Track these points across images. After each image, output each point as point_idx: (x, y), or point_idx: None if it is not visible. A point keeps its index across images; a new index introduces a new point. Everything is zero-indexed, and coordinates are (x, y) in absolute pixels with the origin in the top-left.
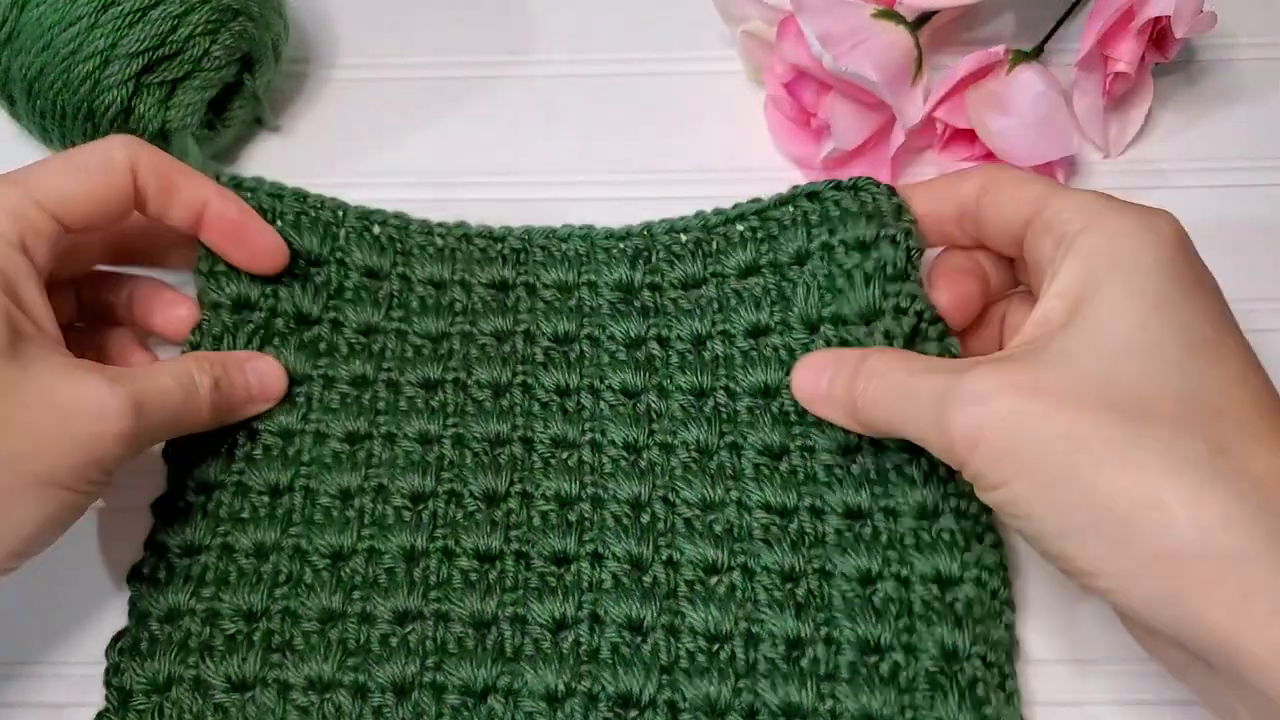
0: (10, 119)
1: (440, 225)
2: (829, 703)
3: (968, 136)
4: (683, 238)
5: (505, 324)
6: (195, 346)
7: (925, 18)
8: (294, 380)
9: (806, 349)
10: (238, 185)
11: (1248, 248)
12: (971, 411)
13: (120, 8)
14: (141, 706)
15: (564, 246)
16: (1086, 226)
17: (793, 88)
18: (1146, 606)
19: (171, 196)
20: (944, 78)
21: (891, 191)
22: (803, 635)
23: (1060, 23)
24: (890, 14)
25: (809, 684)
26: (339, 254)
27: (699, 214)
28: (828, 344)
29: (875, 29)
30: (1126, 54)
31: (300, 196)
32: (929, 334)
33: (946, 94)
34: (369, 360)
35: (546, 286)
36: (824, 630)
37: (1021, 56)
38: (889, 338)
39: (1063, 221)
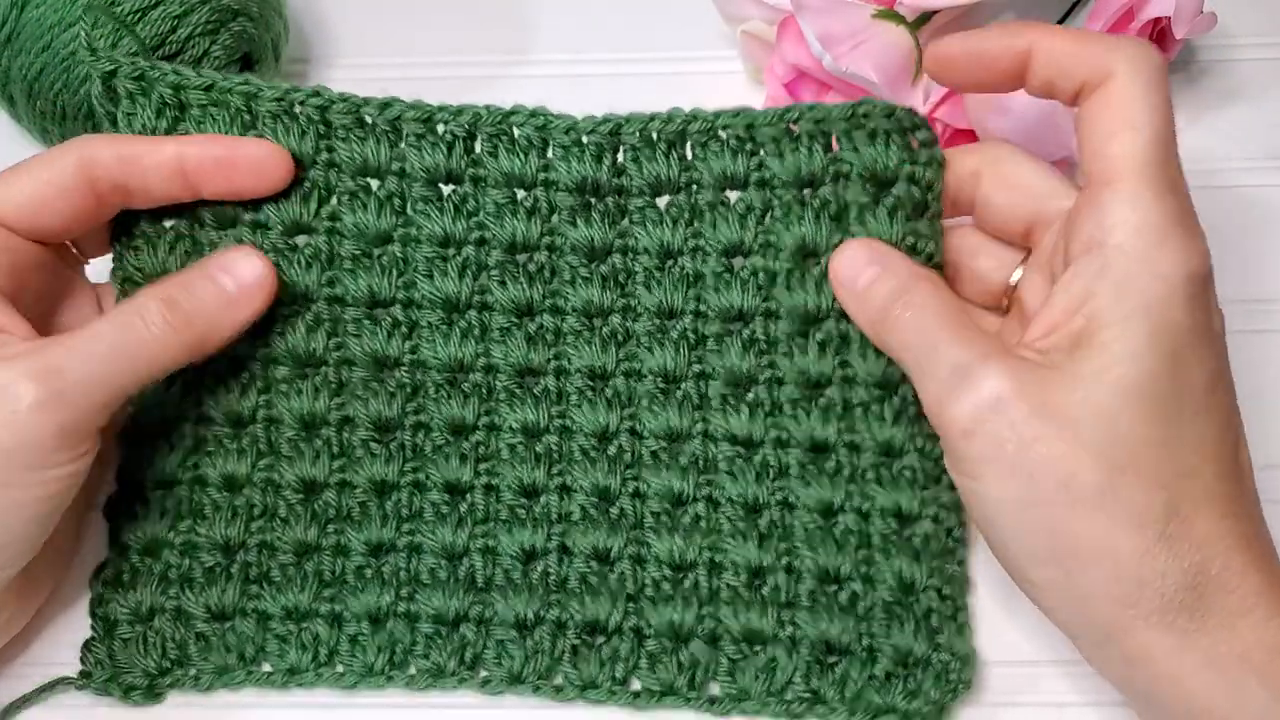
0: (10, 119)
1: (368, 102)
2: (789, 629)
3: (968, 137)
4: (654, 135)
5: (453, 228)
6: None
7: (925, 18)
8: None
9: (790, 275)
10: (120, 73)
11: (1247, 248)
12: (977, 404)
13: (121, 8)
14: (126, 635)
15: (517, 134)
16: (1128, 252)
17: (793, 88)
18: (1083, 632)
19: (144, 172)
20: None
21: (924, 121)
22: (764, 564)
23: (1060, 23)
24: (890, 14)
25: (770, 611)
26: None
27: (674, 111)
28: (824, 272)
29: (875, 29)
30: None
31: (207, 84)
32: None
33: (946, 94)
34: (303, 269)
35: (496, 184)
36: (785, 560)
37: None
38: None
39: (1111, 229)
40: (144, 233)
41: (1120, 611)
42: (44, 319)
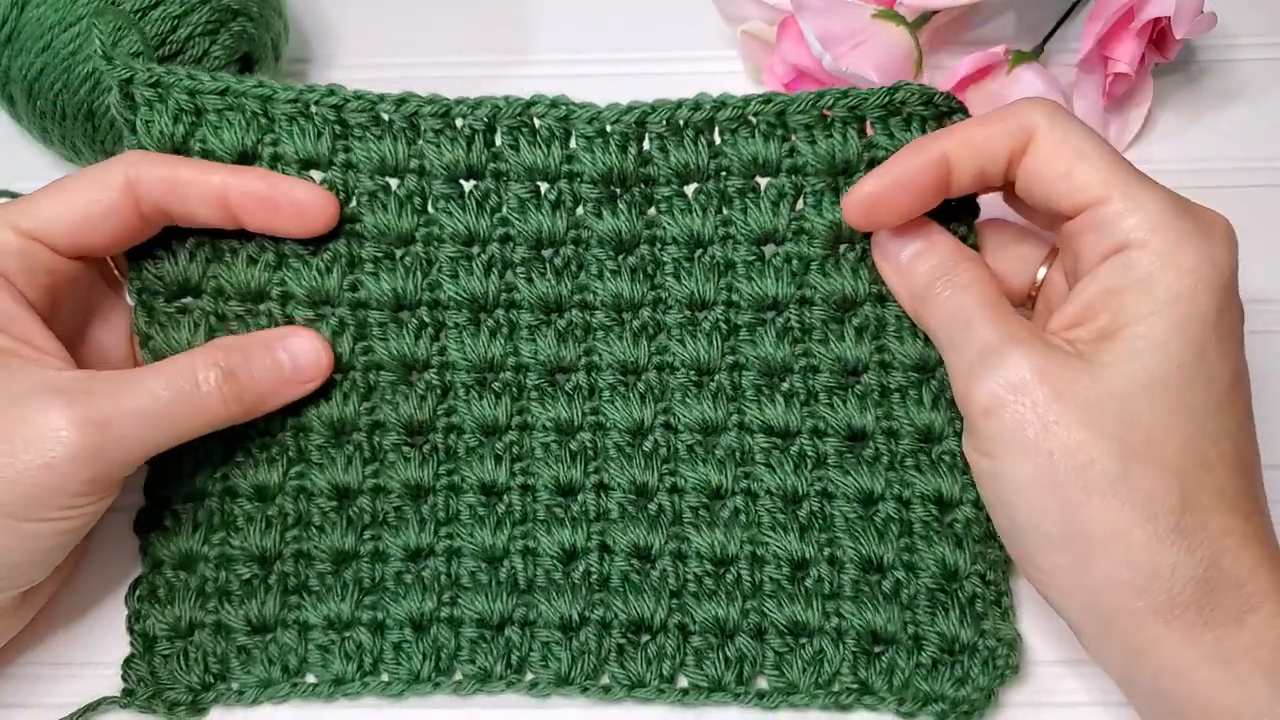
0: (10, 119)
1: (383, 99)
2: (834, 620)
3: None
4: (682, 122)
5: (476, 225)
6: (146, 338)
7: (925, 18)
8: (253, 298)
9: (825, 261)
10: (137, 80)
11: (1248, 248)
12: (1002, 383)
13: (121, 6)
14: (166, 651)
15: (538, 125)
16: (1152, 247)
17: (793, 88)
18: (1089, 621)
19: (187, 195)
20: (944, 78)
21: (961, 106)
22: (807, 556)
23: (1060, 23)
24: (890, 14)
25: (814, 602)
26: (271, 146)
27: (701, 96)
28: (860, 257)
29: (875, 29)
30: (1126, 54)
31: (222, 88)
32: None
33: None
34: (324, 273)
35: (519, 178)
36: (827, 550)
37: (1022, 57)
38: None
39: (1123, 232)
40: (163, 241)
41: (1129, 601)
42: (78, 334)
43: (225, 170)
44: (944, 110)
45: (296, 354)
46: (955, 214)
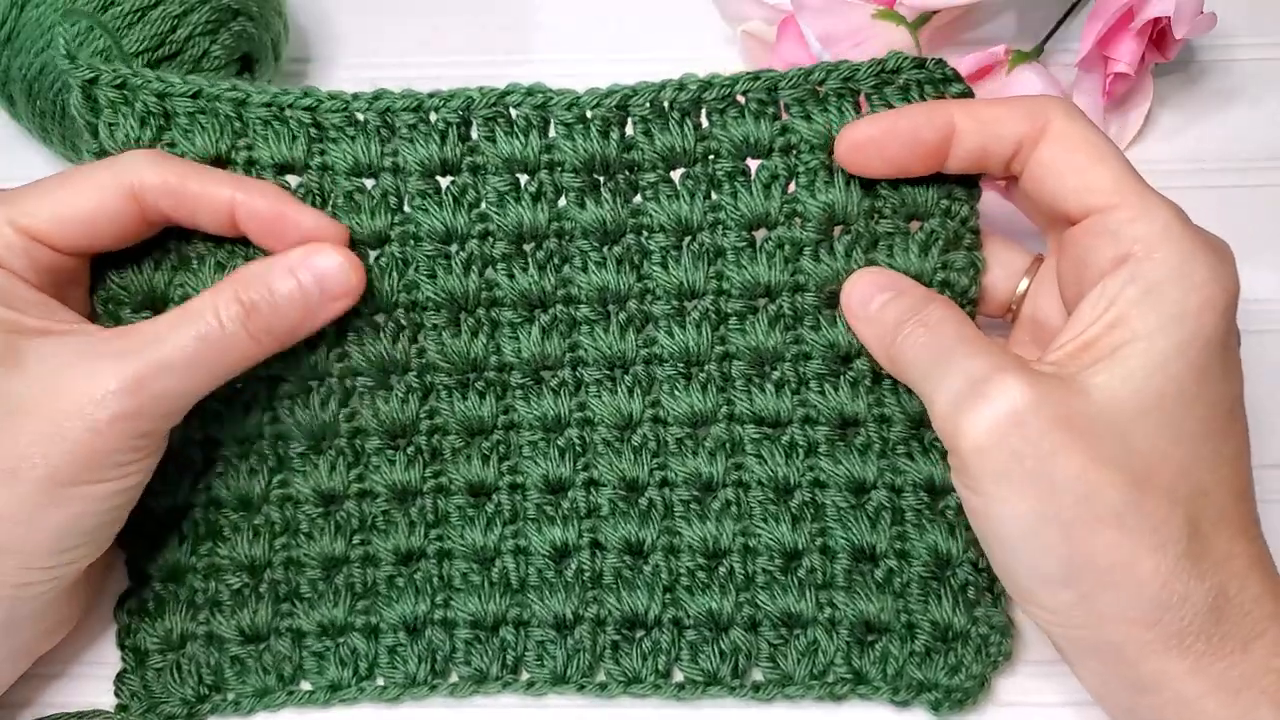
0: (10, 119)
1: (358, 98)
2: (827, 610)
3: None
4: (665, 104)
5: (454, 222)
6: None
7: (925, 18)
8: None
9: (819, 245)
10: (101, 81)
11: (1247, 248)
12: (994, 416)
13: (120, 8)
14: (158, 665)
15: (514, 115)
16: (1161, 259)
17: None
18: (1092, 655)
19: (193, 206)
20: None
21: (955, 74)
22: (799, 546)
23: (1060, 23)
24: (890, 14)
25: (807, 593)
26: (245, 150)
27: (687, 76)
28: (855, 240)
29: (875, 29)
30: (1126, 54)
31: (194, 91)
32: (961, 243)
33: None
34: None
35: (496, 171)
36: (819, 540)
37: (1022, 57)
38: (930, 239)
39: (1132, 240)
40: (129, 251)
41: (1138, 633)
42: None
43: (232, 183)
44: (939, 77)
45: (322, 273)
46: (955, 191)
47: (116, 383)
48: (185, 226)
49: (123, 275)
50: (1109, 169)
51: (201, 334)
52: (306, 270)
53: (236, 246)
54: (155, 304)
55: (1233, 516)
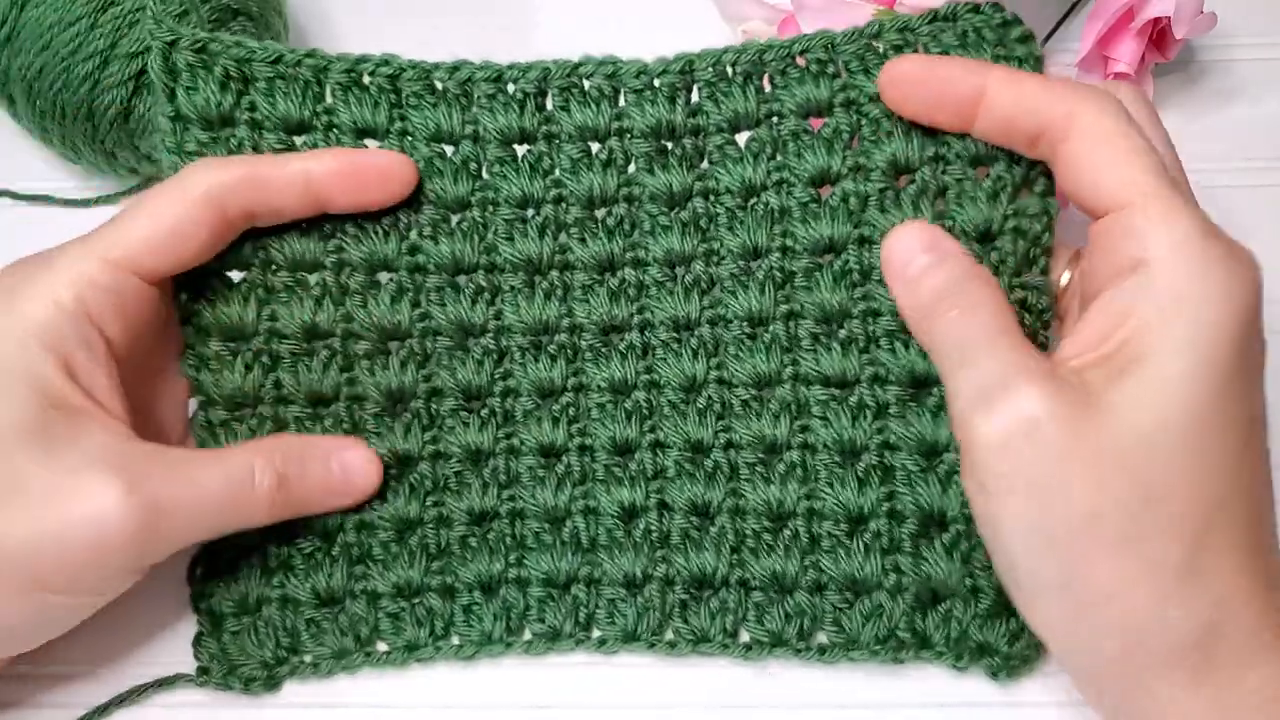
0: (10, 119)
1: (438, 67)
2: (893, 576)
3: None
4: (730, 70)
5: (530, 188)
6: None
7: None
8: (306, 266)
9: (884, 195)
10: (180, 44)
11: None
12: (1010, 422)
13: (120, 8)
14: (234, 628)
15: (587, 85)
16: (1175, 269)
17: None
18: (1084, 669)
19: (270, 191)
20: None
21: (1015, 18)
22: (865, 510)
23: (1060, 23)
24: (890, 14)
25: (873, 558)
26: (325, 115)
27: (749, 42)
28: (921, 189)
29: None
30: (1126, 54)
31: (274, 57)
32: (1033, 188)
33: None
34: (382, 239)
35: (570, 139)
36: (886, 505)
37: None
38: (998, 185)
39: (1148, 245)
40: (214, 285)
41: (1129, 652)
42: (137, 359)
43: (298, 156)
44: (997, 22)
45: (349, 467)
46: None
47: (128, 506)
48: (267, 222)
49: (214, 309)
50: (1133, 168)
51: (232, 484)
52: (337, 461)
53: (314, 242)
54: (244, 334)
55: (1241, 547)
